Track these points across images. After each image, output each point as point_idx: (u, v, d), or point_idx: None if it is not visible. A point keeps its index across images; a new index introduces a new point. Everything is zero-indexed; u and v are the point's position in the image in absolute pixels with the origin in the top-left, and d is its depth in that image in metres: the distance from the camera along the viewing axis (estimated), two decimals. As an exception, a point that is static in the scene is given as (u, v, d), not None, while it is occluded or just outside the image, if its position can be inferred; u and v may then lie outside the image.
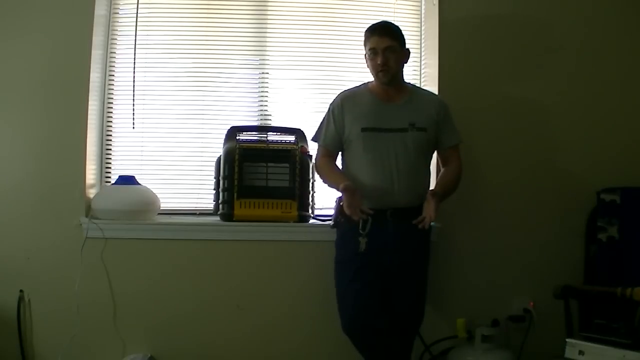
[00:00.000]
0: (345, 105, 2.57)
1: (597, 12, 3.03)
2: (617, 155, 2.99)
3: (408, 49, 2.59)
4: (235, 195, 2.75)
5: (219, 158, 2.85)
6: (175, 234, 2.81)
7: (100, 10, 2.85)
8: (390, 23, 2.63)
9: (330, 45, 3.09)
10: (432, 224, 2.48)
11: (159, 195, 2.87)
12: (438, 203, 2.42)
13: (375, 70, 2.51)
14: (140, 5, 2.99)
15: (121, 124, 3.01)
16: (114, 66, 3.00)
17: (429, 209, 2.41)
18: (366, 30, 2.55)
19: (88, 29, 2.78)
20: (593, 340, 2.33)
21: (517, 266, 2.92)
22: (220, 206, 2.81)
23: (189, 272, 2.80)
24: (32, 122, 2.77)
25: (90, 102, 2.79)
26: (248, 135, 2.89)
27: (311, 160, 2.82)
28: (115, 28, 3.00)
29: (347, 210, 2.37)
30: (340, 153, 2.64)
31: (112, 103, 3.01)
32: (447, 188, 2.55)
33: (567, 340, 2.40)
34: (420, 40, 3.13)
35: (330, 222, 2.61)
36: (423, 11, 3.12)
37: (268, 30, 3.08)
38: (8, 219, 2.73)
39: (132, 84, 2.98)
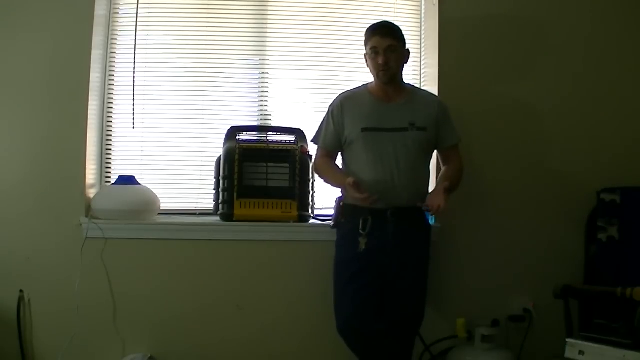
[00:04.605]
0: (345, 106, 2.57)
1: (597, 12, 3.03)
2: (617, 155, 2.99)
3: (408, 50, 2.59)
4: (235, 195, 2.75)
5: (219, 158, 2.85)
6: (175, 234, 2.81)
7: (100, 10, 2.85)
8: (392, 23, 2.62)
9: (330, 45, 3.09)
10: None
11: (159, 195, 2.87)
12: (448, 196, 2.41)
13: (376, 69, 2.51)
14: (140, 5, 2.99)
15: (121, 124, 3.01)
16: (114, 66, 3.00)
17: (438, 199, 2.39)
18: (367, 30, 2.54)
19: (88, 29, 2.78)
20: (593, 340, 2.33)
21: (517, 266, 2.92)
22: (220, 206, 2.81)
23: (189, 272, 2.80)
24: (32, 122, 2.77)
25: (90, 102, 2.79)
26: (248, 135, 2.89)
27: (311, 160, 2.82)
28: (115, 28, 3.00)
29: (361, 202, 2.37)
30: (340, 154, 2.64)
31: (112, 103, 3.01)
32: (452, 183, 2.52)
33: (567, 340, 2.40)
34: (420, 40, 3.13)
35: (330, 222, 2.62)
36: (423, 11, 3.12)
37: (268, 30, 3.08)
38: (8, 219, 2.74)
39: (132, 84, 2.99)
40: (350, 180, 2.38)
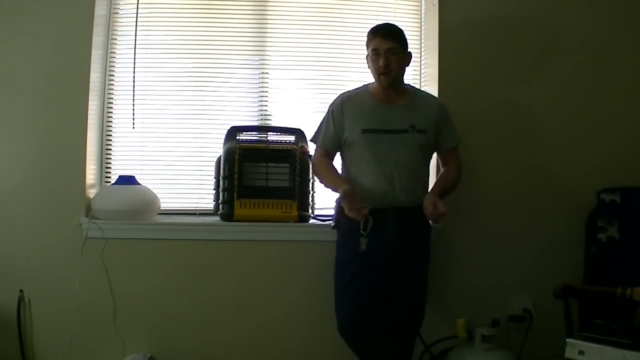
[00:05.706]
0: (345, 106, 2.57)
1: (597, 13, 3.03)
2: (617, 155, 2.99)
3: (410, 52, 2.57)
4: (235, 195, 2.75)
5: (219, 158, 2.85)
6: (175, 234, 2.81)
7: (100, 10, 2.85)
8: (394, 25, 2.61)
9: (330, 45, 3.09)
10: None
11: (159, 195, 2.87)
12: (439, 200, 2.42)
13: (377, 72, 2.50)
14: (140, 5, 2.99)
15: (121, 124, 3.01)
16: (114, 66, 3.00)
17: (433, 206, 2.39)
18: (369, 32, 2.54)
19: (88, 29, 2.78)
20: (593, 340, 2.33)
21: (517, 266, 2.92)
22: (220, 206, 2.81)
23: (189, 272, 2.80)
24: (32, 122, 2.77)
25: (90, 102, 2.79)
26: (248, 135, 2.88)
27: (311, 160, 2.82)
28: (115, 28, 3.00)
29: (349, 214, 2.36)
30: (339, 154, 2.64)
31: (112, 103, 3.01)
32: (445, 189, 2.56)
33: (567, 340, 2.40)
34: (420, 40, 3.13)
35: (330, 222, 2.61)
36: (423, 12, 3.12)
37: (268, 30, 3.08)
38: (8, 219, 2.74)
39: (132, 84, 2.99)
40: (342, 190, 2.38)
